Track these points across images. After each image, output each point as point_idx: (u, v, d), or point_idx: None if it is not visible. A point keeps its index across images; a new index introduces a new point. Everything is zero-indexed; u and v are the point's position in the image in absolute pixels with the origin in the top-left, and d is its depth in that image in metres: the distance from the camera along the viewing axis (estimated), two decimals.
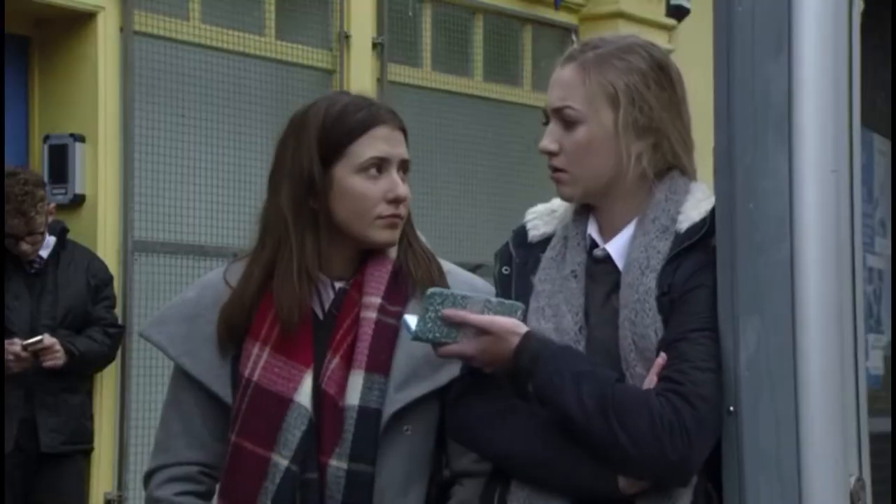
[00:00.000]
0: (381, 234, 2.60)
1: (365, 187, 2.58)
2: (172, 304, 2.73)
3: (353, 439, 2.53)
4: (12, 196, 5.88)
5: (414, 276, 2.62)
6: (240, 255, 2.71)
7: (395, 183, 2.59)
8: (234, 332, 2.60)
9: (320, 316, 2.62)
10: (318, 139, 2.59)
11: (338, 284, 2.63)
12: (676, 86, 2.49)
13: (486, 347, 2.40)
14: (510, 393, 2.45)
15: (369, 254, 2.64)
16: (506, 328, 2.39)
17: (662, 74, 2.48)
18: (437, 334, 2.40)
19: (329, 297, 2.63)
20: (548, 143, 2.49)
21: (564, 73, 2.48)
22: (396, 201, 2.59)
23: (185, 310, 2.67)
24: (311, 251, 2.59)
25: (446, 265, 2.70)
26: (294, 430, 2.53)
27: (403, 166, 2.62)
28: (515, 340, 2.39)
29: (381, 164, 2.59)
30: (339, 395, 2.55)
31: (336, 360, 2.57)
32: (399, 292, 2.61)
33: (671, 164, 2.49)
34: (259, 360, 2.57)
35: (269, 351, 2.57)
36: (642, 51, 2.49)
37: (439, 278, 2.63)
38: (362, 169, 2.58)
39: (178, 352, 2.64)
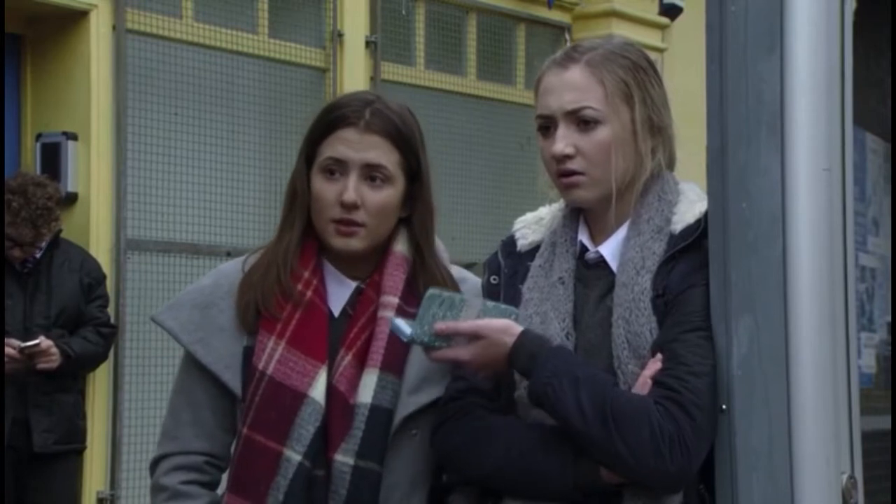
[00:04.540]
0: (334, 240, 2.60)
1: (322, 188, 2.59)
2: (187, 290, 2.72)
3: (363, 436, 2.53)
4: (32, 206, 5.88)
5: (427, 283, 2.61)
6: (258, 247, 2.72)
7: (346, 186, 2.57)
8: (249, 313, 2.61)
9: (335, 313, 2.62)
10: (304, 140, 2.64)
11: (355, 283, 2.63)
12: (662, 84, 2.50)
13: (479, 351, 2.39)
14: (486, 414, 2.45)
15: (386, 255, 2.63)
16: (498, 330, 2.38)
17: (654, 72, 2.49)
18: (433, 338, 2.40)
19: (346, 295, 2.63)
20: (563, 146, 2.43)
21: (572, 75, 2.44)
22: (344, 205, 2.57)
23: (200, 297, 2.66)
24: (285, 245, 2.61)
25: (461, 272, 2.70)
26: (308, 426, 2.53)
27: (372, 171, 2.58)
28: (510, 342, 2.37)
29: (337, 166, 2.58)
30: (349, 393, 2.55)
31: (349, 358, 2.57)
32: (414, 295, 2.60)
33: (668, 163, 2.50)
34: (274, 354, 2.56)
35: (285, 345, 2.57)
36: (635, 49, 2.50)
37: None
38: (321, 169, 2.59)
39: (189, 339, 2.63)
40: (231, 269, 2.69)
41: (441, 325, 2.38)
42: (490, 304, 2.43)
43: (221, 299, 2.63)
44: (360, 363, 2.57)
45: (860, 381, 2.31)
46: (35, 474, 6.01)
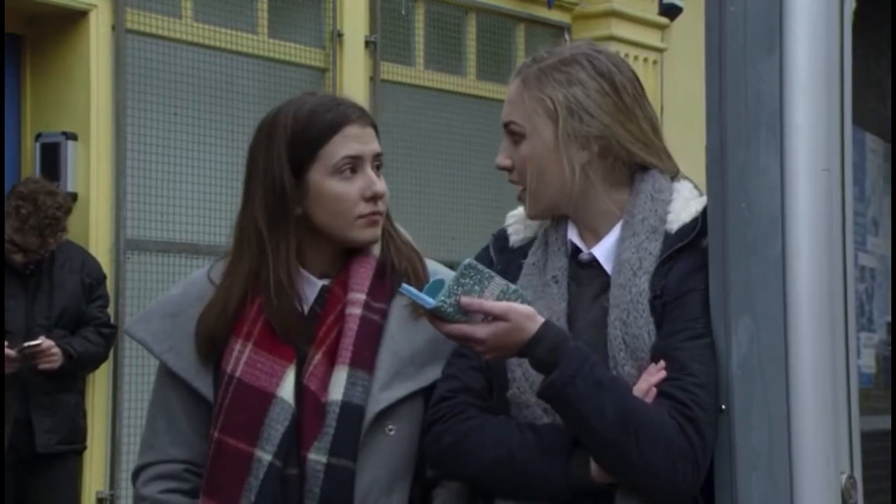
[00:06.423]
0: (363, 233, 2.60)
1: (341, 188, 2.58)
2: (158, 301, 2.74)
3: (334, 434, 2.52)
4: (41, 214, 5.87)
5: (398, 269, 2.62)
6: (225, 255, 2.70)
7: (371, 180, 2.59)
8: (215, 342, 2.60)
9: (304, 312, 2.62)
10: (288, 146, 2.60)
11: (322, 281, 2.63)
12: (622, 91, 2.45)
13: (499, 333, 2.34)
14: (477, 414, 2.44)
15: (353, 251, 2.64)
16: (523, 315, 2.34)
17: (604, 81, 2.45)
18: (456, 309, 2.33)
19: (313, 293, 2.63)
20: (501, 158, 2.51)
21: (510, 89, 2.51)
22: (375, 198, 2.59)
23: (170, 306, 2.68)
24: (285, 260, 2.59)
25: (431, 264, 2.70)
26: (277, 426, 2.53)
27: (377, 161, 2.62)
28: (532, 329, 2.33)
29: (354, 163, 2.59)
30: (321, 391, 2.55)
31: (319, 356, 2.57)
32: (383, 289, 2.61)
33: (638, 165, 2.47)
34: (241, 356, 2.57)
35: (252, 347, 2.57)
36: (584, 60, 2.48)
37: (422, 271, 2.65)
38: (336, 170, 2.58)
39: (161, 348, 2.64)
40: (199, 277, 2.70)
41: (468, 301, 2.33)
42: (512, 286, 2.38)
43: (191, 307, 2.63)
44: (331, 361, 2.56)
45: (860, 381, 2.31)
46: (37, 475, 6.01)
